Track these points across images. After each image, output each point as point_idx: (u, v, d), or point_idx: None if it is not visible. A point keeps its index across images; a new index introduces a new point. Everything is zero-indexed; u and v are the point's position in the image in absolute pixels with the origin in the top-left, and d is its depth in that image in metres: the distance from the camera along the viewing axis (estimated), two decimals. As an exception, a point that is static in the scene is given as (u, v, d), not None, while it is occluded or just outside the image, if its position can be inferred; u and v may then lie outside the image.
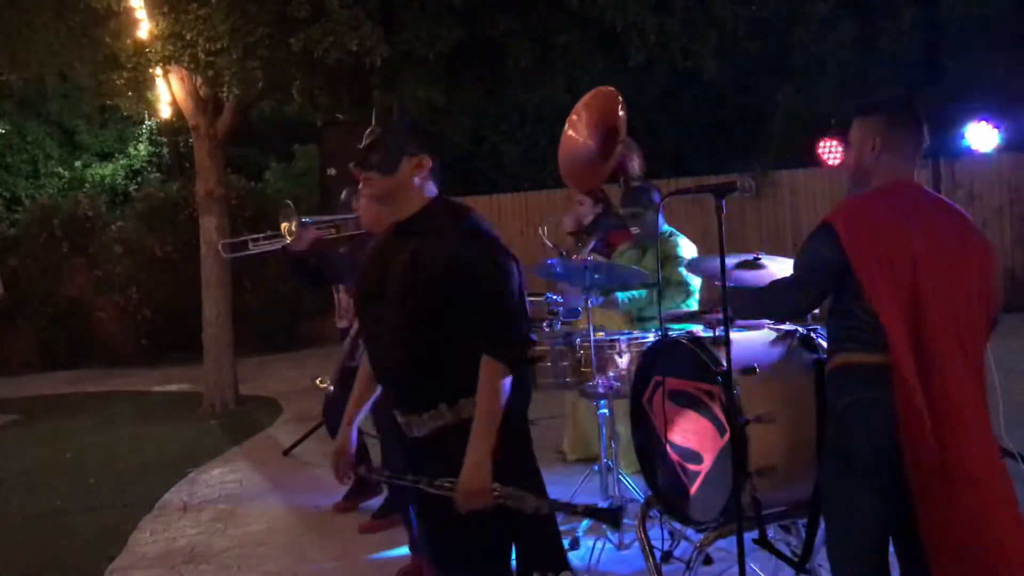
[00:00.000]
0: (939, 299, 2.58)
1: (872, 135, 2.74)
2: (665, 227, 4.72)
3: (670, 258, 4.52)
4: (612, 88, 5.29)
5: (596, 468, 4.43)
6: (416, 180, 2.58)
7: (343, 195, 5.10)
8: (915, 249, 2.58)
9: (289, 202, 4.53)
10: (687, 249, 4.62)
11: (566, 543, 4.21)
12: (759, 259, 3.38)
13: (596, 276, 4.22)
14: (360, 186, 4.02)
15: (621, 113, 5.10)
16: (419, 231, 2.57)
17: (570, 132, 5.37)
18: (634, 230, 4.71)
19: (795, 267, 2.85)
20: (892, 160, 2.73)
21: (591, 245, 4.92)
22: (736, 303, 3.02)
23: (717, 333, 3.19)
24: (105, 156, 15.51)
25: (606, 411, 4.30)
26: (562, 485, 4.72)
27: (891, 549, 2.75)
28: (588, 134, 5.32)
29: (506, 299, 2.51)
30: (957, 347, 2.59)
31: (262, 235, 4.77)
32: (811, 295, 2.80)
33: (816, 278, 2.74)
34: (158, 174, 15.29)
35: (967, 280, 2.64)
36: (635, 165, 5.26)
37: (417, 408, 2.58)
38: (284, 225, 4.41)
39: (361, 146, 2.70)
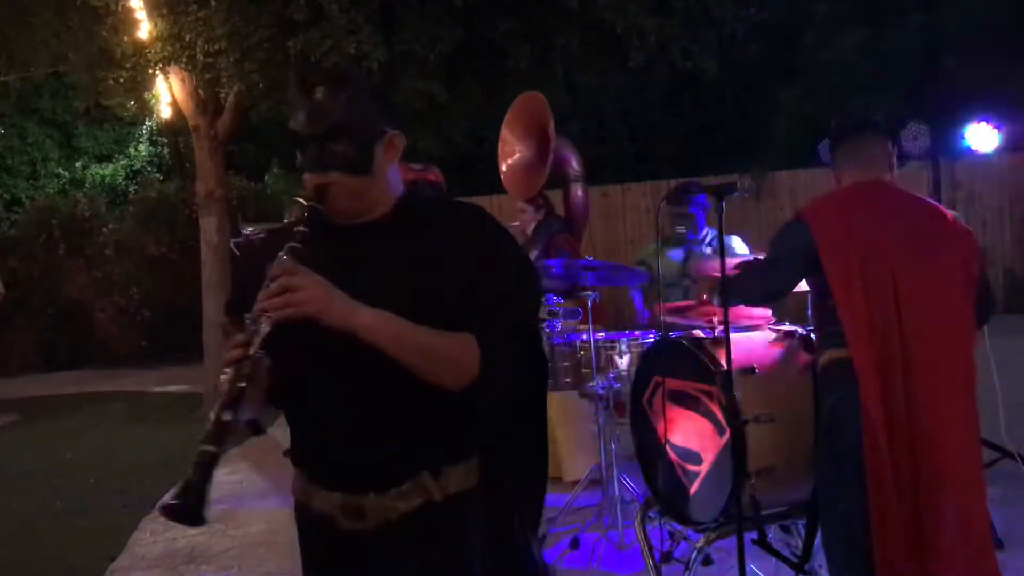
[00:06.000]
0: (917, 294, 2.60)
1: (832, 158, 2.92)
2: (713, 231, 4.76)
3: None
4: (538, 93, 5.30)
5: (595, 468, 4.43)
6: (389, 165, 1.83)
7: None
8: (890, 245, 2.62)
9: (298, 199, 4.47)
10: (740, 248, 4.64)
11: (566, 543, 4.24)
12: (759, 259, 3.38)
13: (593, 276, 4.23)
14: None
15: (550, 117, 5.09)
16: (404, 230, 1.79)
17: (504, 142, 5.37)
18: (680, 229, 4.72)
19: (767, 252, 2.92)
20: (851, 169, 2.84)
21: (535, 253, 4.94)
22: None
23: (717, 333, 3.20)
24: (105, 157, 15.52)
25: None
26: (560, 488, 4.74)
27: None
28: (522, 142, 5.32)
29: (528, 308, 1.92)
30: (938, 342, 2.60)
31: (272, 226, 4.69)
32: (780, 277, 2.85)
33: (786, 260, 2.81)
34: (158, 175, 15.30)
35: (947, 272, 2.66)
36: (575, 165, 5.26)
37: (386, 482, 1.73)
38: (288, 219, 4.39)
39: (302, 128, 1.79)
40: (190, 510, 1.51)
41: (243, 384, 1.57)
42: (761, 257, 3.34)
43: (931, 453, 2.55)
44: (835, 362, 2.69)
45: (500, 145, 5.36)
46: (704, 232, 4.77)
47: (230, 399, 1.56)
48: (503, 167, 5.38)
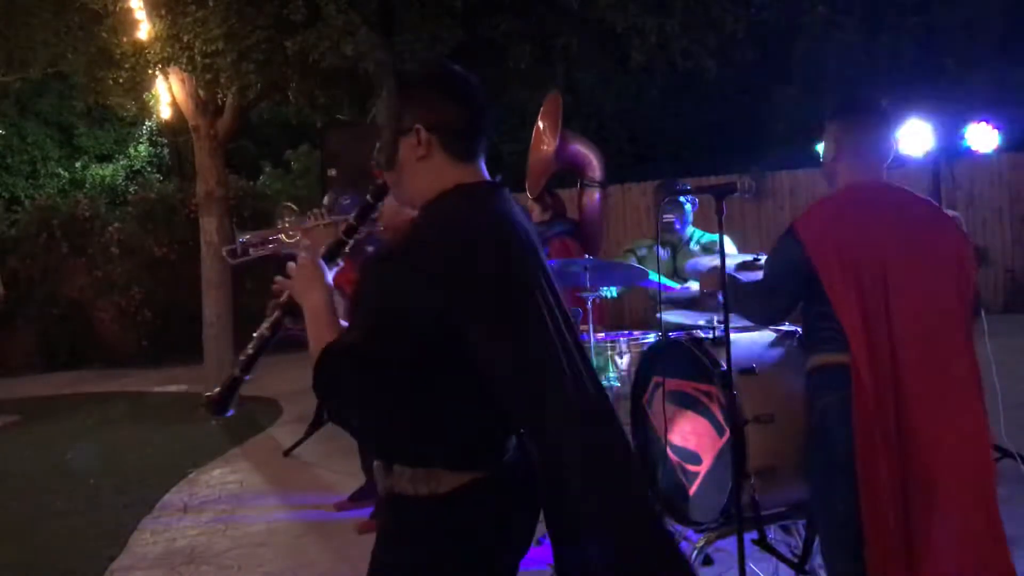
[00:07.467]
0: (913, 300, 2.59)
1: (831, 139, 2.81)
2: (698, 231, 4.76)
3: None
4: (557, 94, 5.31)
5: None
6: (423, 162, 1.80)
7: (326, 199, 5.04)
8: (886, 251, 2.61)
9: (287, 204, 4.46)
10: (730, 248, 4.62)
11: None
12: (759, 260, 3.38)
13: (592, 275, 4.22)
14: None
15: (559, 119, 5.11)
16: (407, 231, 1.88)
17: (537, 131, 5.39)
18: (667, 217, 4.70)
19: (764, 274, 2.89)
20: (851, 164, 2.78)
21: None
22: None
23: (717, 334, 3.20)
24: (105, 157, 15.54)
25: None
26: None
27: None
28: (551, 138, 5.34)
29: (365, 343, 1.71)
30: (929, 344, 2.59)
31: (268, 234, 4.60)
32: (781, 300, 2.82)
33: (783, 284, 2.78)
34: (158, 175, 15.32)
35: (945, 276, 2.65)
36: (595, 170, 5.25)
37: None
38: (279, 225, 4.36)
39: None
40: (218, 408, 1.98)
41: (268, 334, 1.98)
42: (759, 264, 3.33)
43: (923, 456, 2.55)
44: (825, 366, 2.69)
45: (533, 134, 5.39)
46: (689, 232, 4.75)
47: (261, 341, 1.98)
48: (530, 158, 5.40)
